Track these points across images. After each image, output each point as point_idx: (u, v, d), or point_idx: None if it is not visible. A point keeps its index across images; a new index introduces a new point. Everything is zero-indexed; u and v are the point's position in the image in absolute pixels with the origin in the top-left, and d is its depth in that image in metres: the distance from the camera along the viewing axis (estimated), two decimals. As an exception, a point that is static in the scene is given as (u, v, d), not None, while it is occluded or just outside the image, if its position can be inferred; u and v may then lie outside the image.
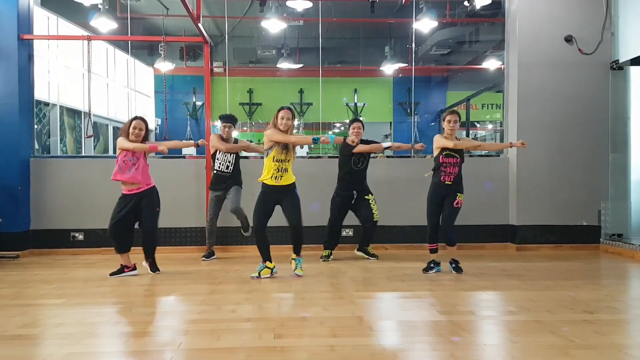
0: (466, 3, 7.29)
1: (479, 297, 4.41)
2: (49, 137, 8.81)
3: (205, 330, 3.39)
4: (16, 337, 3.30)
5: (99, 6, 8.79)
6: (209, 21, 11.10)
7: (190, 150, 11.33)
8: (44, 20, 8.12)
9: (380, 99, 13.32)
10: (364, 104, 12.91)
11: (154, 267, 5.37)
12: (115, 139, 10.87)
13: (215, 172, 6.22)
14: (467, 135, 10.94)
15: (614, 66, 6.92)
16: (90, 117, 6.93)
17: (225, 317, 3.71)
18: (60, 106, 9.01)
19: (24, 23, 6.70)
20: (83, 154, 9.29)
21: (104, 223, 6.68)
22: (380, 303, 4.31)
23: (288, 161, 5.01)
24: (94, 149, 10.02)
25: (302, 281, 4.96)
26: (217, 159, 6.18)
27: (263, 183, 5.06)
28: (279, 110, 5.01)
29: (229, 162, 6.16)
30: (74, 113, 9.61)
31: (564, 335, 3.23)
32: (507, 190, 7.11)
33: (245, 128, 13.09)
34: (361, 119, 6.62)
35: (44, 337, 3.38)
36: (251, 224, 5.39)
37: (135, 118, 5.27)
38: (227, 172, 6.16)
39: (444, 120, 5.34)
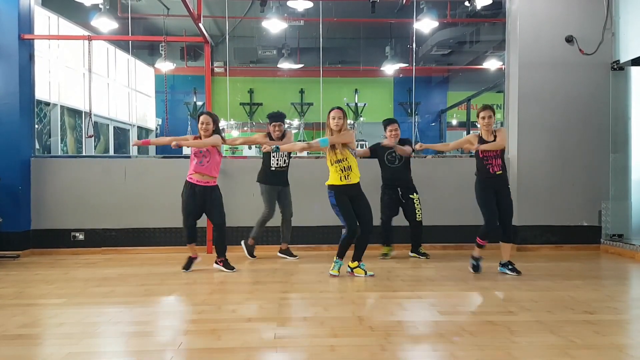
0: (467, 3, 7.30)
1: (479, 298, 4.41)
2: (50, 137, 8.81)
3: (206, 330, 3.39)
4: (16, 337, 3.30)
5: (100, 6, 8.80)
6: (210, 21, 11.12)
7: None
8: (44, 20, 8.12)
9: (380, 99, 13.33)
10: (365, 104, 12.91)
11: (228, 265, 5.43)
12: (116, 139, 10.89)
13: (273, 169, 6.14)
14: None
15: (615, 66, 6.92)
16: (91, 117, 6.93)
17: (226, 317, 3.71)
18: (61, 106, 9.01)
19: (25, 23, 6.70)
20: (84, 154, 9.29)
21: (105, 223, 6.76)
22: (381, 303, 4.31)
23: (346, 159, 5.00)
24: (95, 148, 10.02)
25: (302, 281, 4.97)
26: (273, 156, 6.13)
27: (333, 186, 5.06)
28: (330, 111, 5.15)
29: (285, 155, 6.18)
30: (75, 113, 9.61)
31: (564, 336, 3.23)
32: (508, 191, 7.10)
33: (245, 128, 13.10)
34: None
35: (44, 337, 3.39)
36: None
37: (202, 113, 5.45)
38: (284, 166, 6.19)
39: (477, 116, 5.30)
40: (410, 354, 3.00)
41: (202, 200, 5.35)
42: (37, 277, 5.28)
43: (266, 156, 6.13)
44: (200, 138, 5.41)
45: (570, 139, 6.94)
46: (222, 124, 13.14)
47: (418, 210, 6.12)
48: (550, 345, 3.07)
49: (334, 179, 5.05)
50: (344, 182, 5.02)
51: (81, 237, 6.80)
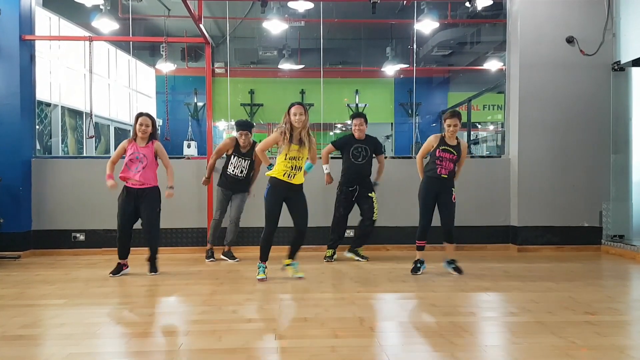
0: (467, 4, 7.28)
1: (480, 298, 4.41)
2: (51, 138, 8.82)
3: (206, 331, 3.39)
4: (17, 338, 3.30)
5: (101, 7, 8.80)
6: (211, 22, 11.11)
7: (192, 151, 11.37)
8: (45, 21, 8.14)
9: (381, 100, 13.32)
10: (365, 105, 12.90)
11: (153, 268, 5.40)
12: (116, 140, 10.89)
13: (228, 174, 6.12)
14: (469, 136, 10.94)
15: (616, 67, 6.92)
16: (91, 118, 6.93)
17: (227, 318, 3.71)
18: (61, 107, 9.02)
19: (26, 24, 6.71)
20: (84, 155, 9.29)
21: (105, 223, 6.75)
22: (382, 304, 4.31)
23: (300, 159, 4.88)
24: (96, 149, 10.03)
25: (303, 282, 4.96)
26: (232, 163, 6.09)
27: (273, 177, 4.91)
28: (290, 107, 4.91)
29: (244, 167, 6.10)
30: (76, 114, 9.62)
31: (565, 337, 3.23)
32: (509, 191, 7.10)
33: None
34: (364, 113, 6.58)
35: (45, 338, 3.39)
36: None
37: (141, 114, 5.30)
38: (240, 176, 6.11)
39: (444, 121, 5.30)
40: (411, 355, 3.00)
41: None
42: (37, 278, 5.28)
43: (226, 161, 6.12)
44: (136, 139, 5.24)
45: (571, 140, 6.94)
46: (223, 124, 13.18)
47: (376, 210, 6.04)
48: (551, 346, 3.07)
49: (278, 172, 4.86)
50: (286, 180, 4.86)
51: (82, 237, 6.80)
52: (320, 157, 6.09)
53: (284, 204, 4.99)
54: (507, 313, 3.89)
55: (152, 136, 5.32)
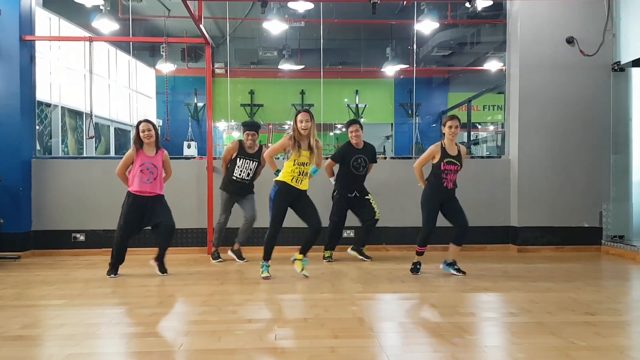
0: (467, 5, 7.28)
1: (480, 299, 4.41)
2: (51, 138, 8.82)
3: (206, 332, 3.39)
4: (17, 338, 3.30)
5: (101, 7, 8.80)
6: (211, 22, 11.11)
7: (192, 152, 11.37)
8: (45, 22, 8.14)
9: (381, 100, 13.32)
10: (365, 105, 12.91)
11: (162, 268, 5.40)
12: (116, 140, 10.90)
13: (234, 179, 6.05)
14: (469, 136, 10.94)
15: (616, 67, 6.92)
16: (91, 118, 6.93)
17: (226, 319, 3.71)
18: (61, 107, 9.02)
19: (26, 24, 6.72)
20: (84, 155, 9.30)
21: (106, 224, 6.75)
22: (381, 304, 4.31)
23: (308, 165, 4.97)
24: (96, 150, 10.03)
25: (303, 282, 4.96)
26: (238, 166, 6.03)
27: (280, 181, 4.99)
28: (297, 114, 5.00)
29: (250, 169, 6.06)
30: (76, 114, 9.63)
31: (565, 337, 3.23)
32: (509, 192, 7.11)
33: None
34: (362, 120, 6.59)
35: (45, 338, 3.39)
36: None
37: (140, 122, 5.27)
38: (246, 180, 6.08)
39: (443, 125, 5.26)
40: (411, 356, 3.00)
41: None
42: (37, 278, 5.28)
43: (232, 165, 6.08)
44: (142, 146, 5.20)
45: (571, 140, 6.94)
46: (223, 125, 13.19)
47: (376, 209, 6.07)
48: (550, 346, 3.07)
49: (286, 177, 4.96)
50: (294, 184, 4.97)
51: (82, 238, 6.80)
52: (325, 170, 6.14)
53: (290, 209, 5.08)
54: (507, 313, 3.89)
55: (157, 143, 5.28)
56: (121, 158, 5.36)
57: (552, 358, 2.90)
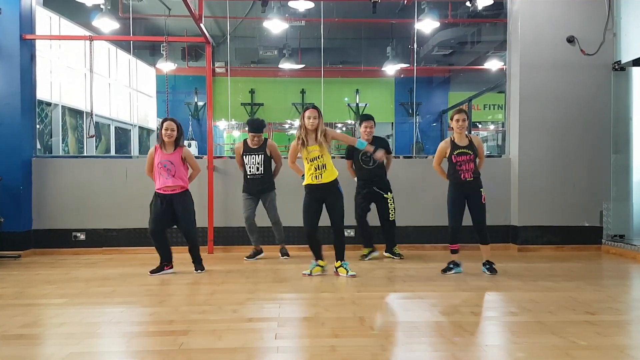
0: (468, 4, 7.29)
1: (480, 298, 4.41)
2: (51, 137, 8.82)
3: (207, 331, 3.39)
4: (17, 337, 3.31)
5: (101, 6, 8.80)
6: (211, 21, 11.11)
7: (192, 151, 11.36)
8: (46, 21, 8.12)
9: (382, 100, 13.31)
10: (366, 105, 12.90)
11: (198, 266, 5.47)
12: (117, 139, 10.89)
13: (248, 177, 6.12)
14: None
15: (616, 67, 6.91)
16: (92, 117, 6.94)
17: (227, 318, 3.71)
18: (62, 106, 9.01)
19: (26, 23, 6.72)
20: (85, 154, 9.29)
21: (106, 223, 6.77)
22: (382, 304, 4.30)
23: (321, 157, 4.97)
24: (96, 149, 10.02)
25: (303, 282, 4.97)
26: (246, 163, 6.12)
27: (306, 185, 5.10)
28: (304, 110, 5.04)
29: (258, 162, 6.08)
30: (76, 113, 9.61)
31: (565, 336, 3.23)
32: (509, 191, 7.10)
33: (246, 128, 13.09)
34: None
35: (45, 337, 3.39)
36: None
37: (166, 119, 5.33)
38: (258, 174, 6.10)
39: (451, 119, 5.28)
40: (411, 355, 3.00)
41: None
42: (38, 277, 5.29)
43: (243, 167, 6.17)
44: (164, 144, 5.26)
45: (571, 140, 6.94)
46: (223, 124, 13.18)
47: (391, 210, 6.13)
48: (551, 345, 3.07)
49: (307, 178, 5.05)
50: (314, 182, 5.01)
51: (82, 237, 6.81)
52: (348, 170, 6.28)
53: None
54: (507, 312, 3.89)
55: (178, 141, 5.30)
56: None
57: (552, 357, 2.89)
